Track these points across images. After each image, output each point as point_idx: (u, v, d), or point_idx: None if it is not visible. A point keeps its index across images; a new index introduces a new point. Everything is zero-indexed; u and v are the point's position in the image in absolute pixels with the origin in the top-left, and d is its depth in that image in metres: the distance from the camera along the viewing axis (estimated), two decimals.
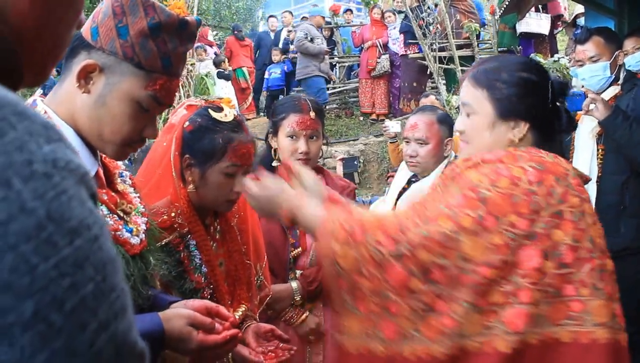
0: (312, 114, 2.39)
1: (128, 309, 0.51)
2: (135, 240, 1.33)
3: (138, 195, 1.47)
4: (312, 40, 9.63)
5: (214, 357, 1.50)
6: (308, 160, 2.39)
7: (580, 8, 8.08)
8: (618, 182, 3.00)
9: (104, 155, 1.38)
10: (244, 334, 1.81)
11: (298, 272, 2.44)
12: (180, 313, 1.33)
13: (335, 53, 11.86)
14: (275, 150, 2.46)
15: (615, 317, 1.35)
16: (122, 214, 1.33)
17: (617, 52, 3.15)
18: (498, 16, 9.08)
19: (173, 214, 1.75)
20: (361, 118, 10.64)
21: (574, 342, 1.32)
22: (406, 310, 1.35)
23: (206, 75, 10.08)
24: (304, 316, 2.42)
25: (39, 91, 1.35)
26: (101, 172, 1.34)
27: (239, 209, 1.99)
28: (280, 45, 11.36)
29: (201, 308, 1.39)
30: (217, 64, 10.53)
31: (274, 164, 2.47)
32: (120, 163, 1.47)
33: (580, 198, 1.40)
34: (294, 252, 2.43)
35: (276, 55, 11.05)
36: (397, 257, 1.35)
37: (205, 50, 10.92)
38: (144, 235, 1.38)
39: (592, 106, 2.91)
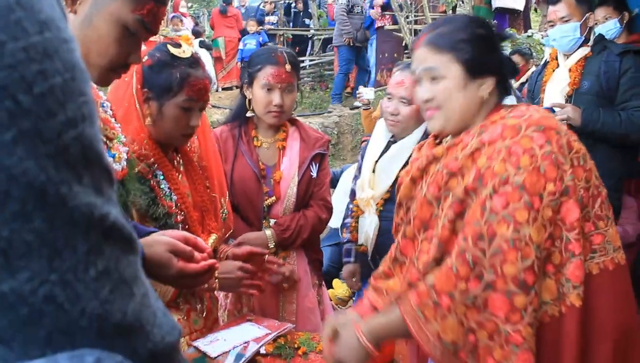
0: (288, 67, 2.39)
1: (95, 122, 0.50)
2: (117, 167, 1.34)
3: (119, 125, 1.48)
4: (352, 7, 9.54)
5: (192, 285, 1.53)
6: (282, 113, 2.42)
7: None
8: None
9: None
10: (227, 256, 1.88)
11: (272, 221, 2.46)
12: (160, 239, 1.34)
13: (311, 25, 11.81)
14: (249, 101, 2.47)
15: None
16: (105, 140, 1.34)
17: (587, 14, 3.21)
18: None
19: (136, 145, 1.77)
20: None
21: (602, 271, 1.42)
22: (529, 330, 1.36)
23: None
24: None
25: None
26: None
27: (199, 147, 2.03)
28: (256, 16, 11.28)
29: (180, 237, 1.40)
30: (196, 34, 10.44)
31: (248, 114, 2.49)
32: (102, 94, 1.46)
33: (578, 142, 1.46)
34: (268, 200, 2.45)
35: (252, 27, 10.95)
36: (488, 288, 1.37)
37: (181, 21, 10.79)
38: (125, 163, 1.39)
39: (564, 116, 3.01)
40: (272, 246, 2.42)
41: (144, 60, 1.78)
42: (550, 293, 1.39)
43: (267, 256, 2.04)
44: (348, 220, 2.87)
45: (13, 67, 0.44)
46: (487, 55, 1.55)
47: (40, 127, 0.45)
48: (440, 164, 1.55)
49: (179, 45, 1.82)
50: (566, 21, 3.19)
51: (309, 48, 12.18)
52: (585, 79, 3.16)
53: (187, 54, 1.82)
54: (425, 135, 2.55)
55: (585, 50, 3.23)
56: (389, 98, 2.62)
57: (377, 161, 2.66)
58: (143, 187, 1.69)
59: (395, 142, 2.66)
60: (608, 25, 3.84)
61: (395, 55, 9.34)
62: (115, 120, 1.49)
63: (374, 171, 2.64)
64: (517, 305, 1.34)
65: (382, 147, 2.71)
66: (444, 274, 1.42)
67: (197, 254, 1.38)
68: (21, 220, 0.44)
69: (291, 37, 12.10)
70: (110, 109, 1.49)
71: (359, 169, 2.84)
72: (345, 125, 9.38)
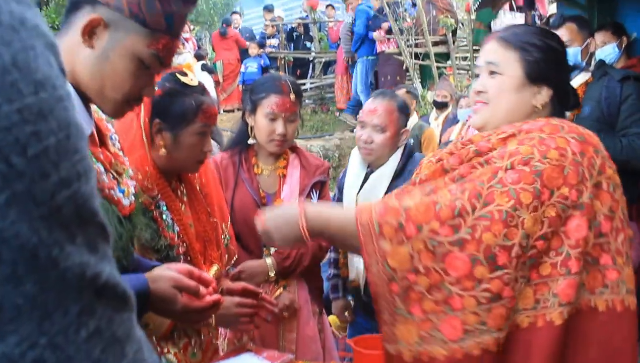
0: (292, 96, 2.39)
1: (91, 178, 0.50)
2: (126, 201, 1.34)
3: (127, 159, 1.49)
4: None
5: (197, 320, 1.53)
6: (284, 142, 2.41)
7: (553, 9, 8.22)
8: None
9: (96, 117, 1.39)
10: (223, 291, 1.85)
11: (272, 249, 2.43)
12: (165, 275, 1.34)
13: (313, 48, 11.88)
14: (251, 128, 2.46)
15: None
16: (115, 175, 1.34)
17: (588, 40, 3.22)
18: (474, 14, 9.17)
19: (140, 177, 1.77)
20: (337, 113, 10.66)
21: (608, 310, 1.35)
22: (471, 303, 1.30)
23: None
24: (277, 292, 2.43)
25: None
26: (95, 131, 1.35)
27: (200, 175, 2.03)
28: (257, 40, 11.36)
29: (184, 271, 1.41)
30: (198, 57, 10.52)
31: (250, 141, 2.48)
32: (110, 126, 1.47)
33: (613, 170, 1.42)
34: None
35: (253, 49, 11.02)
36: (458, 244, 1.30)
37: (183, 44, 10.86)
38: (133, 198, 1.39)
39: None
40: (273, 274, 2.40)
41: None
42: (525, 301, 1.33)
43: (261, 294, 2.01)
44: (332, 254, 2.83)
45: (7, 129, 0.44)
46: (551, 66, 1.53)
47: (34, 189, 0.45)
48: (473, 145, 1.51)
49: (185, 74, 1.84)
50: (567, 46, 3.20)
51: (310, 71, 12.24)
52: (586, 104, 3.16)
53: (195, 82, 1.84)
54: (402, 162, 2.56)
55: (586, 76, 3.24)
56: (362, 126, 2.59)
57: (358, 193, 2.62)
58: (147, 220, 1.69)
59: (372, 171, 2.62)
60: (606, 50, 3.86)
61: (398, 78, 9.38)
62: (123, 153, 1.49)
63: (356, 203, 2.58)
64: (475, 274, 1.29)
65: (361, 178, 2.66)
66: (425, 205, 1.35)
67: (202, 289, 1.38)
68: (12, 283, 0.44)
69: (292, 60, 12.18)
70: (119, 142, 1.49)
71: (336, 200, 2.79)
72: (346, 148, 9.39)
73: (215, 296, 1.42)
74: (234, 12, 13.12)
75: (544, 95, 1.52)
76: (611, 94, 3.16)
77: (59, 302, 0.46)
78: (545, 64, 1.51)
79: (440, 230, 1.31)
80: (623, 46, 3.96)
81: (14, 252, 0.44)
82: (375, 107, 2.55)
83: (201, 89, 1.85)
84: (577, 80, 3.23)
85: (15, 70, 0.45)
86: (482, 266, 1.29)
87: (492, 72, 1.54)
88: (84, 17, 1.23)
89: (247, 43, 11.27)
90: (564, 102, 1.59)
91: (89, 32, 1.23)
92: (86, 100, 1.30)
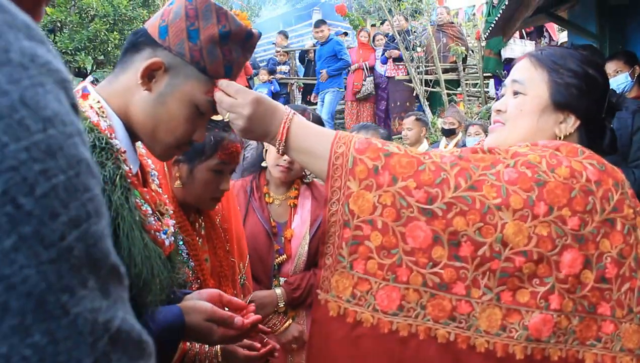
0: None
1: (102, 217, 0.49)
2: (167, 242, 1.32)
3: (166, 196, 1.47)
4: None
5: (237, 342, 1.54)
6: (289, 170, 2.39)
7: (563, 37, 8.24)
8: None
9: (139, 153, 1.37)
10: None
11: (282, 279, 2.42)
12: (198, 307, 1.33)
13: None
14: (266, 151, 2.47)
15: None
16: (159, 215, 1.33)
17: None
18: (484, 41, 9.21)
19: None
20: None
21: None
22: (418, 280, 1.19)
23: None
24: (287, 324, 2.40)
25: (90, 78, 1.34)
26: (139, 171, 1.34)
27: (222, 208, 1.99)
28: (268, 65, 11.43)
29: (215, 297, 1.39)
30: None
31: (264, 164, 2.49)
32: (150, 162, 1.45)
33: (635, 211, 1.27)
34: (279, 258, 2.42)
35: (263, 75, 11.09)
36: (427, 214, 1.18)
37: None
38: (173, 238, 1.38)
39: None
40: (282, 305, 2.37)
41: None
42: (489, 322, 1.18)
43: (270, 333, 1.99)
44: None
45: (15, 169, 0.43)
46: (584, 94, 1.37)
47: (42, 231, 0.43)
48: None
49: None
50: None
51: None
52: None
53: (219, 116, 1.80)
54: None
55: None
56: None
57: None
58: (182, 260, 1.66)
59: None
60: (619, 79, 3.85)
61: (408, 104, 9.40)
62: (162, 189, 1.47)
63: None
64: (433, 253, 1.18)
65: None
66: (409, 159, 1.22)
67: (236, 319, 1.36)
68: (20, 334, 0.42)
69: (302, 85, 12.22)
70: (158, 179, 1.47)
71: None
72: None
73: (252, 318, 1.40)
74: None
75: (569, 124, 1.37)
76: (623, 125, 3.14)
77: (70, 353, 0.44)
78: (576, 90, 1.36)
79: (414, 192, 1.19)
80: (636, 75, 3.95)
81: (21, 300, 0.42)
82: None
83: (225, 124, 1.77)
84: None
85: (23, 108, 0.44)
86: (442, 248, 1.18)
87: (516, 92, 1.43)
88: (144, 59, 1.22)
89: (257, 70, 11.31)
90: (595, 139, 1.41)
91: (149, 75, 1.22)
92: (133, 138, 1.29)
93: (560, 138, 1.37)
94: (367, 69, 9.98)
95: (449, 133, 6.01)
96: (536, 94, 1.39)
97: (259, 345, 1.82)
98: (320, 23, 9.93)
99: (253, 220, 2.42)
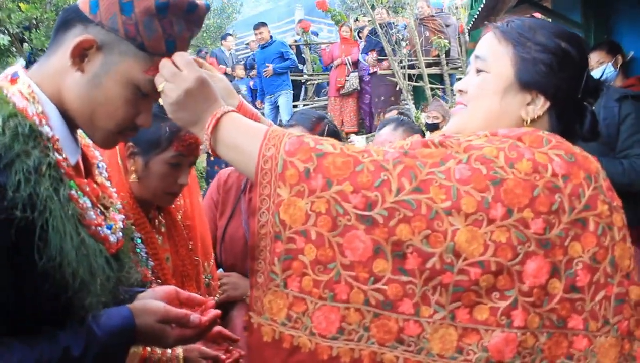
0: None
1: None
2: (113, 239, 1.20)
3: (115, 189, 1.35)
4: None
5: (195, 342, 1.43)
6: None
7: None
8: None
9: (82, 143, 1.26)
10: None
11: None
12: (150, 308, 1.20)
13: (305, 71, 11.82)
14: None
15: (630, 360, 1.10)
16: (102, 209, 1.21)
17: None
18: (466, 34, 9.15)
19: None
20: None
21: None
22: (359, 298, 1.04)
23: None
24: None
25: (21, 62, 1.20)
26: (80, 161, 1.22)
27: (184, 204, 1.87)
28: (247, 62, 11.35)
29: (171, 294, 1.28)
30: None
31: None
32: (97, 154, 1.34)
33: (610, 206, 1.11)
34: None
35: (240, 71, 10.94)
36: (366, 222, 1.03)
37: None
38: (120, 234, 1.26)
39: None
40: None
41: None
42: (442, 345, 1.03)
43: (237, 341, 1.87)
44: None
45: None
46: (555, 72, 1.19)
47: None
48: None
49: None
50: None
51: (302, 93, 12.16)
52: None
53: None
54: None
55: None
56: None
57: None
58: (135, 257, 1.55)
59: None
60: (601, 70, 3.79)
61: (392, 99, 9.30)
62: (111, 182, 1.35)
63: None
64: (374, 267, 1.03)
65: None
66: (345, 159, 1.06)
67: (192, 316, 1.23)
68: None
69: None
70: (106, 171, 1.35)
71: None
72: None
73: (211, 314, 1.28)
74: (228, 35, 13.07)
75: (537, 106, 1.21)
76: (609, 114, 3.06)
77: None
78: (545, 67, 1.19)
79: (351, 197, 1.03)
80: (619, 65, 3.89)
81: None
82: (390, 141, 2.42)
83: None
84: None
85: None
86: (385, 261, 1.02)
87: (478, 70, 1.26)
88: (74, 37, 1.11)
89: (231, 67, 11.20)
90: (570, 123, 1.25)
91: (80, 55, 1.11)
92: (73, 125, 1.17)
93: (526, 122, 1.21)
94: (349, 64, 9.88)
95: (433, 127, 5.91)
96: (500, 71, 1.23)
97: (223, 358, 1.71)
98: (259, 25, 9.92)
99: (236, 223, 2.27)
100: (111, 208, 1.26)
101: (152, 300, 1.23)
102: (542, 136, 1.12)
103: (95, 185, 1.21)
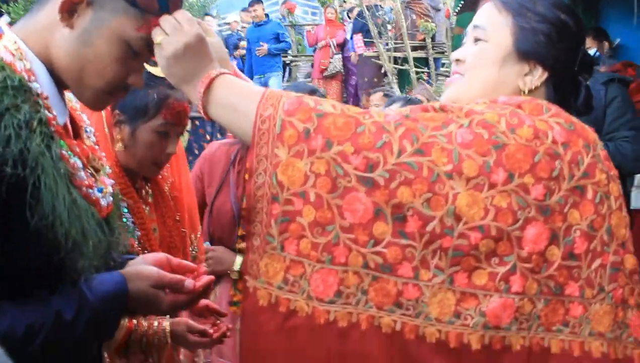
0: None
1: None
2: (104, 202, 1.17)
3: (104, 154, 1.31)
4: None
5: (189, 308, 1.40)
6: None
7: None
8: None
9: (70, 106, 1.22)
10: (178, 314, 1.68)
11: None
12: (143, 273, 1.17)
13: (290, 52, 11.74)
14: None
15: (623, 327, 1.09)
16: (92, 171, 1.18)
17: None
18: (454, 19, 9.13)
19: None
20: None
21: (563, 353, 1.06)
22: (358, 261, 1.03)
23: None
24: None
25: (5, 19, 1.16)
26: (69, 123, 1.18)
27: (172, 175, 1.85)
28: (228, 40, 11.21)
29: (162, 261, 1.25)
30: None
31: None
32: (85, 118, 1.30)
33: (608, 175, 1.11)
34: (242, 244, 2.25)
35: None
36: (367, 184, 1.02)
37: None
38: (110, 198, 1.22)
39: None
40: (236, 275, 2.21)
41: None
42: (440, 309, 1.03)
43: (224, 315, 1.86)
44: None
45: None
46: (554, 43, 1.19)
47: None
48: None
49: (156, 63, 1.65)
50: None
51: (286, 75, 12.08)
52: None
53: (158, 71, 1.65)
54: None
55: None
56: None
57: None
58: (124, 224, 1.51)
59: None
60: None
61: (376, 80, 9.27)
62: (100, 147, 1.31)
63: None
64: (374, 229, 1.02)
65: None
66: (345, 119, 1.05)
67: (187, 282, 1.20)
68: None
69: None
70: (94, 135, 1.31)
71: None
72: None
73: (204, 279, 1.24)
74: (207, 15, 12.89)
75: (535, 77, 1.20)
76: (596, 97, 3.07)
77: None
78: (545, 37, 1.19)
79: (351, 158, 1.02)
80: (605, 51, 3.91)
81: None
82: None
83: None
84: None
85: None
86: (385, 223, 1.02)
87: (477, 39, 1.25)
88: None
89: None
90: (566, 95, 1.24)
91: (69, 9, 1.07)
92: (61, 86, 1.13)
93: (524, 92, 1.21)
94: (334, 46, 9.82)
95: None
96: (498, 41, 1.22)
97: (211, 331, 1.70)
98: (254, 2, 9.72)
99: (224, 196, 2.24)
100: (101, 172, 1.22)
101: (145, 265, 1.21)
102: (542, 104, 1.12)
103: (85, 147, 1.18)
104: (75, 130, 1.21)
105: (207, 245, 2.21)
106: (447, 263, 1.02)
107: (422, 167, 1.01)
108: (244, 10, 12.25)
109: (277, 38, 9.65)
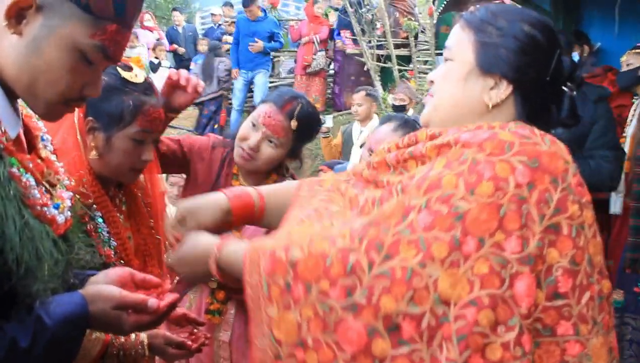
0: (293, 123, 2.06)
1: None
2: (61, 218, 1.12)
3: (61, 164, 1.26)
4: None
5: (153, 327, 1.34)
6: (252, 160, 2.10)
7: None
8: None
9: (24, 114, 1.17)
10: None
11: None
12: (104, 294, 1.14)
13: None
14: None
15: (612, 351, 1.10)
16: (48, 187, 1.12)
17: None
18: (436, 17, 9.13)
19: (74, 183, 1.55)
20: None
21: None
22: None
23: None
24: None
25: None
26: (22, 134, 1.12)
27: (145, 181, 1.82)
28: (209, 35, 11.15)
29: (125, 277, 1.22)
30: (154, 70, 10.16)
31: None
32: (41, 124, 1.24)
33: (580, 205, 1.08)
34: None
35: (202, 46, 10.70)
36: (352, 310, 1.01)
37: (136, 37, 10.48)
38: (69, 213, 1.18)
39: None
40: (215, 281, 2.16)
41: None
42: None
43: (203, 324, 1.85)
44: None
45: None
46: (517, 56, 1.18)
47: None
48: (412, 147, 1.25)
49: (130, 68, 1.61)
50: None
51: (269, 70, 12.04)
52: None
53: (140, 79, 1.61)
54: None
55: None
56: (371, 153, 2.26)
57: None
58: (84, 237, 1.47)
59: None
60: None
61: (362, 78, 9.25)
62: (57, 156, 1.26)
63: None
64: (374, 350, 1.00)
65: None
66: (314, 259, 1.06)
67: (150, 302, 1.18)
68: None
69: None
70: (51, 144, 1.25)
71: None
72: (304, 150, 9.21)
73: (169, 298, 1.22)
74: (174, 9, 12.74)
75: (501, 90, 1.19)
76: (585, 114, 3.09)
77: None
78: (506, 51, 1.18)
79: (331, 292, 1.03)
80: (585, 55, 3.93)
81: None
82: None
83: (146, 87, 1.62)
84: None
85: None
86: (382, 339, 1.00)
87: (446, 59, 1.27)
88: None
89: (199, 40, 10.94)
90: (543, 106, 1.24)
91: (17, 15, 1.00)
92: (13, 96, 1.08)
93: (489, 106, 1.20)
94: (317, 42, 9.77)
95: (400, 109, 5.91)
96: (462, 58, 1.23)
97: (189, 343, 1.68)
98: (249, 3, 9.33)
99: None
100: (58, 186, 1.17)
101: (107, 286, 1.17)
102: (504, 141, 1.08)
103: (39, 161, 1.12)
104: (30, 140, 1.16)
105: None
106: (457, 351, 0.98)
107: (395, 270, 1.01)
108: (226, 4, 12.17)
109: (272, 37, 9.40)
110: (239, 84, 9.54)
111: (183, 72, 1.86)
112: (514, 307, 0.99)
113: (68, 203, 1.18)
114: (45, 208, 1.07)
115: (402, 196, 1.11)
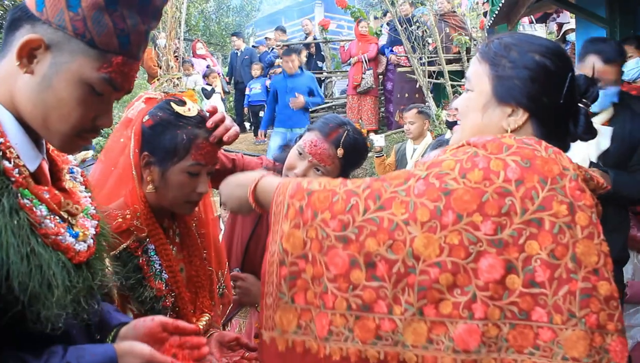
0: (337, 151, 2.03)
1: None
2: (81, 247, 1.16)
3: (89, 194, 1.30)
4: None
5: None
6: None
7: (570, 24, 8.02)
8: None
9: (52, 148, 1.22)
10: (207, 344, 1.67)
11: None
12: (135, 351, 1.18)
13: (324, 68, 11.77)
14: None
15: (602, 352, 1.14)
16: (66, 216, 1.16)
17: None
18: (486, 30, 9.02)
19: (129, 216, 1.60)
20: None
21: None
22: (343, 305, 1.23)
23: (193, 90, 9.95)
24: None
25: None
26: (45, 166, 1.18)
27: (199, 212, 1.83)
28: (264, 59, 11.30)
29: (154, 329, 1.26)
30: (207, 96, 10.42)
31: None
32: (71, 158, 1.30)
33: (569, 205, 1.17)
34: None
35: (256, 70, 10.91)
36: (342, 241, 1.23)
37: (192, 65, 10.79)
38: (92, 241, 1.21)
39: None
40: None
41: (144, 120, 1.63)
42: (415, 337, 1.18)
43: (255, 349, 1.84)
44: None
45: None
46: (530, 85, 1.31)
47: None
48: None
49: (183, 103, 1.65)
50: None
51: (322, 90, 12.14)
52: (612, 141, 2.85)
53: (193, 112, 1.64)
54: None
55: (610, 112, 2.99)
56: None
57: None
58: (128, 266, 1.52)
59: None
60: (630, 65, 3.69)
61: (417, 95, 9.19)
62: (87, 188, 1.31)
63: None
64: (351, 277, 1.22)
65: None
66: (325, 193, 1.29)
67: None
68: None
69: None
70: (82, 176, 1.31)
71: None
72: (359, 170, 9.20)
73: (202, 351, 1.27)
74: (233, 34, 12.98)
75: (517, 118, 1.33)
76: (636, 128, 2.95)
77: None
78: (519, 82, 1.31)
79: (330, 222, 1.25)
80: None
81: None
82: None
83: (199, 120, 1.64)
84: (602, 117, 2.98)
85: None
86: (360, 270, 1.22)
87: (467, 90, 1.43)
88: (21, 37, 1.06)
89: (253, 65, 11.12)
90: (553, 127, 1.34)
91: (28, 55, 1.07)
92: (34, 131, 1.13)
93: (508, 131, 1.33)
94: (366, 62, 9.77)
95: (453, 125, 5.83)
96: (481, 89, 1.37)
97: None
98: (290, 52, 8.34)
99: (260, 230, 2.23)
100: (80, 215, 1.21)
101: (139, 343, 1.21)
102: (503, 144, 1.24)
103: (57, 192, 1.16)
104: (55, 172, 1.21)
105: (237, 271, 2.20)
106: (415, 297, 1.18)
107: (383, 219, 1.21)
108: (277, 29, 12.38)
109: (312, 92, 8.13)
110: (275, 143, 8.00)
111: (217, 114, 1.77)
112: (473, 278, 1.16)
113: (92, 231, 1.22)
114: (60, 237, 1.10)
115: (412, 168, 1.31)
